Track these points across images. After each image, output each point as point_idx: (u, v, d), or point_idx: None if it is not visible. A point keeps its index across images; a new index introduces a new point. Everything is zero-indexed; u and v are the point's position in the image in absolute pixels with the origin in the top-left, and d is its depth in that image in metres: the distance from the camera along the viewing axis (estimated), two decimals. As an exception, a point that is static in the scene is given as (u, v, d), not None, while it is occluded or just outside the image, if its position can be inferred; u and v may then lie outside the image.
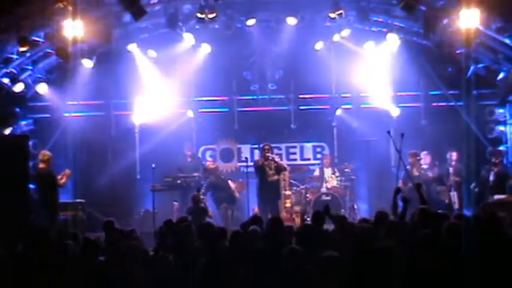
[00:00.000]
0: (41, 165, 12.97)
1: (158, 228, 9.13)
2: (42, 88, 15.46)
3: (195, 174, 15.20)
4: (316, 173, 15.76)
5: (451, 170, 14.67)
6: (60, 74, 15.53)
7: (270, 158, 14.15)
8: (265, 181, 14.10)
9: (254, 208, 14.36)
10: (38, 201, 12.53)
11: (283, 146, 16.87)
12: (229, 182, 15.38)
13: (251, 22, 14.97)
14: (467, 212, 13.88)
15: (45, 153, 13.19)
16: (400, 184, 13.63)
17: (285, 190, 15.17)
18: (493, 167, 14.42)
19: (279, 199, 14.60)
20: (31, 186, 12.33)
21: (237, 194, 15.24)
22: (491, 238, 6.60)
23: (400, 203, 8.95)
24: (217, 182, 15.23)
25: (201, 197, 12.49)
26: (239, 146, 16.87)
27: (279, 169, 14.34)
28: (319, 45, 16.04)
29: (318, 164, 16.23)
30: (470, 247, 6.47)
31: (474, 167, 15.02)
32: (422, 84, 16.47)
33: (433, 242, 6.81)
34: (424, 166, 14.68)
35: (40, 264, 6.85)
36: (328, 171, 15.53)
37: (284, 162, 15.09)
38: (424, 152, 14.82)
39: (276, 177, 14.29)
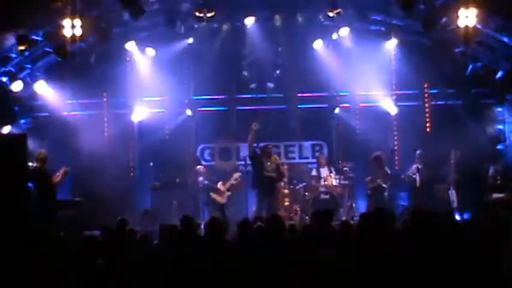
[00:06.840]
0: (37, 164, 12.97)
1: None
2: (40, 86, 15.43)
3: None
4: (313, 173, 15.73)
5: (449, 168, 14.67)
6: (59, 72, 15.53)
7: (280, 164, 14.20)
8: (262, 174, 13.69)
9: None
10: (37, 200, 12.52)
11: (281, 144, 16.85)
12: (219, 184, 15.16)
13: (250, 21, 14.95)
14: (465, 212, 13.95)
15: (41, 151, 13.18)
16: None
17: (284, 188, 15.15)
18: (492, 166, 14.44)
19: (275, 196, 14.32)
20: (30, 185, 12.32)
21: (220, 199, 14.98)
22: (490, 238, 6.60)
23: None
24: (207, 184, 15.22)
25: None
26: (238, 144, 16.83)
27: (279, 173, 14.08)
28: (317, 44, 16.02)
29: (314, 164, 16.20)
30: (469, 246, 6.47)
31: (473, 166, 15.05)
32: (421, 82, 16.46)
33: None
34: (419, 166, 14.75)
35: (39, 263, 6.84)
36: (324, 171, 15.49)
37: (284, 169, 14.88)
38: (418, 151, 14.86)
39: (273, 174, 13.94)
